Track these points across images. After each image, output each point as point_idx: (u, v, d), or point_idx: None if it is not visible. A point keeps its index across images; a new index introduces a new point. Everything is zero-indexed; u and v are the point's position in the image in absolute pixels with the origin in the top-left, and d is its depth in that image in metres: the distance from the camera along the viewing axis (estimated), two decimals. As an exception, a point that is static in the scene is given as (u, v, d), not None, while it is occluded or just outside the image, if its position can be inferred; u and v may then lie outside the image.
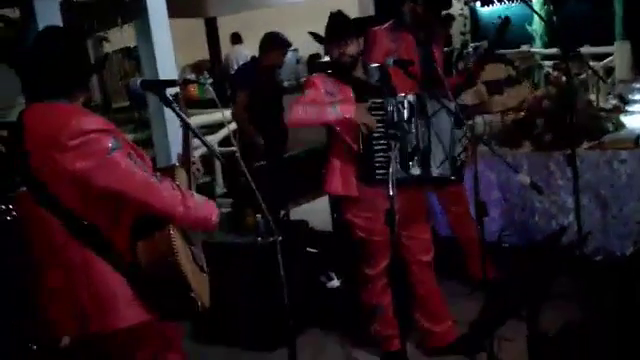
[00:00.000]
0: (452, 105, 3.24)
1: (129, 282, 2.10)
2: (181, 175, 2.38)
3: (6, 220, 3.19)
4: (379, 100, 3.20)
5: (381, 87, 3.31)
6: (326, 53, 3.50)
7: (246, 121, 5.19)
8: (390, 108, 3.17)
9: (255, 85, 5.31)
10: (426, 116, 3.22)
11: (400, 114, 3.17)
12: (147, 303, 2.12)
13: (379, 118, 3.18)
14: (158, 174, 2.13)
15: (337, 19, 3.37)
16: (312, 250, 4.16)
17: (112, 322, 2.09)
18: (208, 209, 2.21)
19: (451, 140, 3.30)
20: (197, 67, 10.22)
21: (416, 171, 3.18)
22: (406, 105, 3.17)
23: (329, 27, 3.36)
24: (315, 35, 3.54)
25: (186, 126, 2.32)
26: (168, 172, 2.31)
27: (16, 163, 2.07)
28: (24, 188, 2.06)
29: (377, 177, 3.16)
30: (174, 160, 2.60)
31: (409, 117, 3.17)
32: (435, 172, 3.22)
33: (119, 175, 2.01)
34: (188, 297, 2.13)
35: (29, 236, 2.19)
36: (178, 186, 2.16)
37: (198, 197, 2.22)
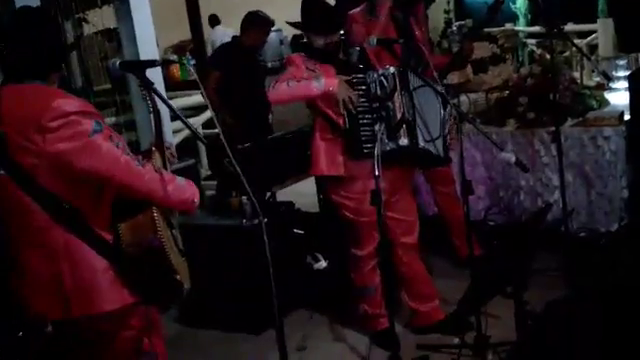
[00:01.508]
0: (438, 87, 3.23)
1: (112, 265, 2.08)
2: (157, 159, 2.36)
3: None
4: (360, 75, 3.22)
5: (360, 65, 3.32)
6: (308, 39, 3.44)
7: (215, 102, 5.02)
8: (372, 82, 3.19)
9: (235, 66, 5.22)
10: (408, 89, 3.22)
11: (383, 88, 3.18)
12: (131, 286, 2.10)
13: (362, 92, 3.19)
14: (140, 157, 2.10)
15: (321, 9, 3.33)
16: (298, 232, 4.15)
17: (96, 306, 2.07)
18: (190, 191, 2.21)
19: (441, 120, 3.32)
20: (179, 48, 10.13)
21: (404, 142, 3.18)
22: (389, 78, 3.18)
23: (313, 17, 3.32)
24: (295, 24, 3.51)
25: (170, 109, 2.27)
26: (146, 156, 2.28)
27: None
28: (1, 172, 2.01)
29: (365, 151, 3.16)
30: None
31: (392, 90, 3.18)
32: (422, 143, 3.23)
33: (101, 157, 1.99)
34: (173, 280, 2.12)
35: (8, 220, 2.13)
36: (159, 169, 2.13)
37: (179, 179, 2.21)
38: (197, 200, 2.23)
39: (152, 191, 2.07)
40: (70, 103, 1.99)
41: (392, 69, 3.21)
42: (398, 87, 3.19)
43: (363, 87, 3.20)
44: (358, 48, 3.37)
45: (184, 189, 2.19)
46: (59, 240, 2.04)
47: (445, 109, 3.35)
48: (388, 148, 3.14)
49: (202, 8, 9.75)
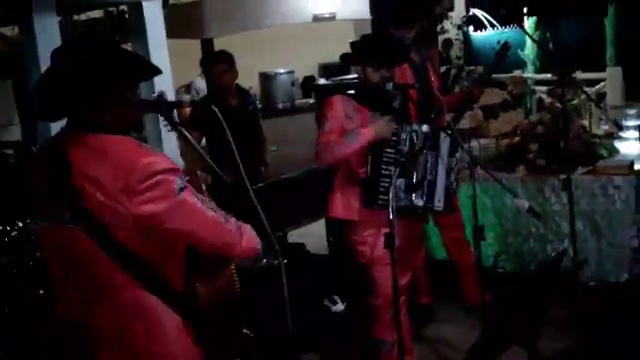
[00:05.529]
0: (447, 138, 3.25)
1: (186, 322, 1.99)
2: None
3: (4, 241, 3.20)
4: (395, 125, 3.19)
5: (400, 111, 3.30)
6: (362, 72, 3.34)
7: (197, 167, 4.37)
8: (404, 136, 3.16)
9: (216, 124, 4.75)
10: (437, 149, 3.21)
11: (412, 144, 3.16)
12: (203, 342, 2.02)
13: (392, 144, 3.16)
14: (220, 211, 2.00)
15: (392, 44, 3.32)
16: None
17: None
18: (256, 239, 2.12)
19: (447, 169, 3.30)
20: (191, 88, 10.22)
21: (419, 202, 3.15)
22: (420, 135, 3.17)
23: (378, 49, 3.29)
24: (346, 57, 3.46)
25: (191, 145, 2.28)
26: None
27: (63, 198, 1.87)
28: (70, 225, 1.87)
29: (380, 202, 3.13)
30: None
31: (421, 148, 3.16)
32: (436, 206, 3.20)
33: (189, 217, 1.89)
34: (241, 334, 2.08)
35: (67, 275, 1.99)
36: (235, 220, 2.05)
37: (248, 227, 2.12)
38: (260, 248, 2.15)
39: (234, 247, 2.00)
40: (156, 161, 1.86)
41: (425, 127, 3.18)
42: (427, 146, 3.17)
43: (394, 138, 3.16)
44: (399, 90, 3.30)
45: (253, 237, 2.09)
46: (132, 297, 1.92)
47: (453, 156, 3.33)
48: (402, 204, 3.10)
49: (220, 47, 9.87)
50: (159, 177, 1.84)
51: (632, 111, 5.22)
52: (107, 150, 1.87)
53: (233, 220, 2.01)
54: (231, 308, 2.03)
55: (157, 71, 2.01)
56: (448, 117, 3.42)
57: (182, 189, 1.88)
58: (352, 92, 3.35)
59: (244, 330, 2.09)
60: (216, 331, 2.03)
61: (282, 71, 9.11)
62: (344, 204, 3.37)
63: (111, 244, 1.86)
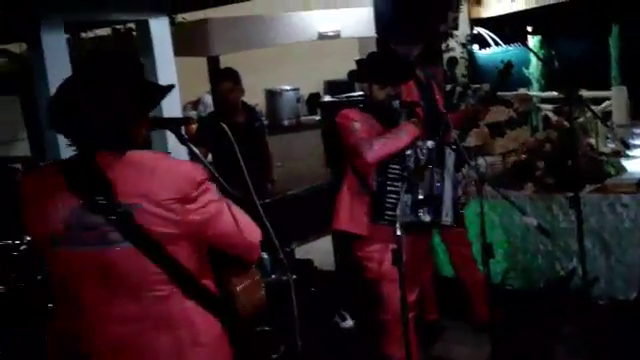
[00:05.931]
0: (452, 154, 3.25)
1: (224, 326, 2.01)
2: None
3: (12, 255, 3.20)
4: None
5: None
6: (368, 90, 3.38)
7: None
8: (409, 152, 3.16)
9: (221, 140, 4.81)
10: (443, 165, 3.20)
11: (417, 159, 3.16)
12: (236, 344, 2.04)
13: (397, 160, 3.16)
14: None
15: (398, 62, 3.35)
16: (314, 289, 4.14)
17: None
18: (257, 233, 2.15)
19: (454, 183, 3.30)
20: (198, 104, 10.30)
21: (426, 218, 3.14)
22: (425, 151, 3.17)
23: (385, 68, 3.31)
24: (353, 74, 3.51)
25: (201, 163, 2.29)
26: None
27: (109, 219, 1.82)
28: (127, 244, 1.83)
29: (386, 218, 3.13)
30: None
31: (426, 164, 3.15)
32: (444, 220, 3.19)
33: (228, 221, 1.95)
34: (266, 331, 2.09)
35: (93, 296, 1.91)
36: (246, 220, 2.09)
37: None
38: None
39: (258, 246, 2.07)
40: (199, 171, 1.92)
41: (430, 143, 3.18)
42: (433, 162, 3.16)
43: (399, 154, 3.17)
44: (406, 107, 3.33)
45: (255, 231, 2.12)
46: (177, 307, 1.92)
47: (459, 170, 3.33)
48: (408, 220, 3.08)
49: (226, 64, 9.96)
50: (205, 185, 1.91)
51: (639, 130, 5.22)
52: (150, 165, 1.88)
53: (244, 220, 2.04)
54: (259, 309, 2.07)
55: (169, 88, 2.04)
56: (454, 134, 3.41)
57: (220, 196, 1.96)
58: (361, 106, 3.36)
59: (268, 329, 2.09)
60: (248, 330, 2.08)
61: (288, 88, 9.18)
62: (352, 217, 3.36)
63: (162, 257, 1.87)
